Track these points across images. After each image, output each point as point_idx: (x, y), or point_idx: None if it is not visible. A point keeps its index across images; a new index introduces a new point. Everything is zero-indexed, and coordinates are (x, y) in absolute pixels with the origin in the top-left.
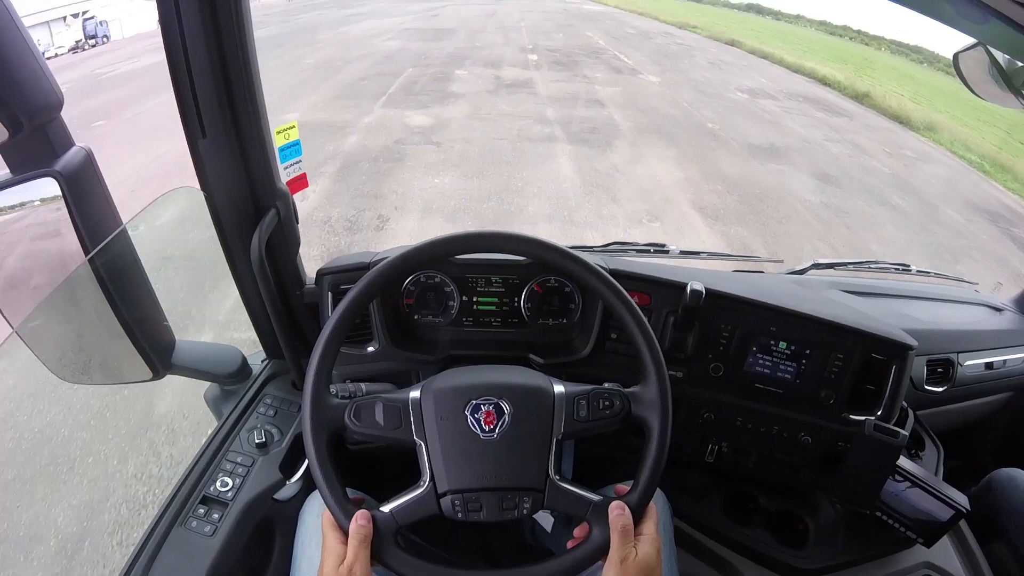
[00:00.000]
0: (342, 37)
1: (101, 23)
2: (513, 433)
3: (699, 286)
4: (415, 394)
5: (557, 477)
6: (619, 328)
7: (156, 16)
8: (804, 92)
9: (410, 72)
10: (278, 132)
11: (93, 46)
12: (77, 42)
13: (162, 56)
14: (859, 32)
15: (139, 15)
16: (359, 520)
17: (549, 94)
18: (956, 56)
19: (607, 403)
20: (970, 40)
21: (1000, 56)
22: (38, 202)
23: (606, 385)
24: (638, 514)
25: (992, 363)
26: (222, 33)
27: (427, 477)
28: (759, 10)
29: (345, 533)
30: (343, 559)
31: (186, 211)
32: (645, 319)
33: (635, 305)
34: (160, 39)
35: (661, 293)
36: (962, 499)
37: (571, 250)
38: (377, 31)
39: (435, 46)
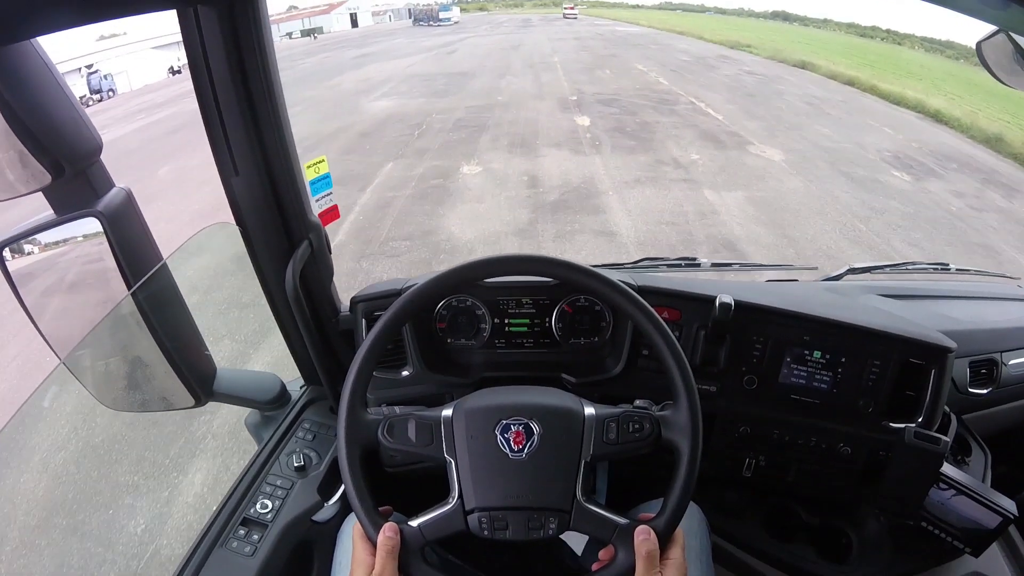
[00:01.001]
0: (330, 93)
1: (106, 76)
2: (542, 453)
3: (728, 299)
4: (447, 412)
5: (584, 499)
6: (650, 345)
7: (165, 65)
8: (950, 150)
9: (388, 173)
10: (308, 167)
11: (99, 100)
12: (81, 98)
13: (156, 113)
14: (888, 31)
15: (148, 66)
16: (387, 532)
17: (636, 233)
18: (979, 45)
19: (637, 426)
20: (991, 27)
21: (1022, 41)
22: (81, 238)
23: (637, 403)
24: (664, 539)
25: None
26: (248, 74)
27: (456, 494)
28: (785, 17)
29: (374, 544)
30: (371, 569)
31: (223, 245)
32: (674, 338)
33: (663, 324)
34: (168, 89)
35: (691, 308)
36: (1010, 505)
37: (597, 269)
38: (377, 80)
39: (441, 105)
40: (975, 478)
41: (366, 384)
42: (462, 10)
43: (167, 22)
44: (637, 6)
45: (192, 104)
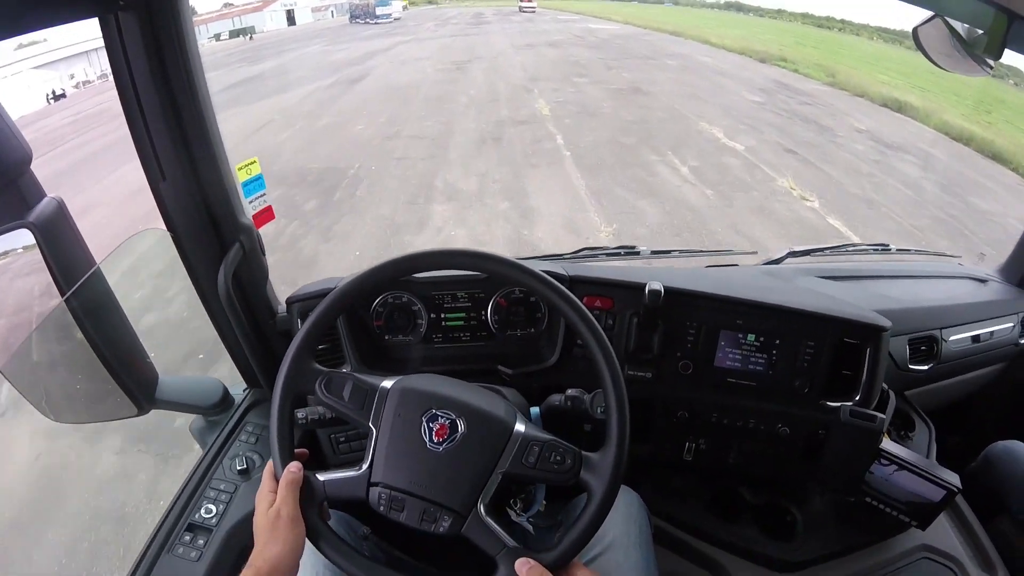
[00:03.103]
0: None
1: None
2: (458, 453)
3: (657, 285)
4: (386, 384)
5: (485, 509)
6: (577, 336)
7: (44, 90)
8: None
9: None
10: (240, 168)
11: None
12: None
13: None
14: (843, 22)
15: (19, 92)
16: (291, 468)
17: None
18: (915, 30)
19: (559, 458)
20: (928, 13)
21: (958, 25)
22: (19, 250)
23: (569, 392)
24: (556, 571)
25: (979, 336)
26: (171, 79)
27: (367, 463)
28: (739, 7)
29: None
30: (272, 504)
31: (155, 251)
32: (603, 333)
33: (593, 321)
34: (43, 124)
35: (623, 295)
36: (953, 478)
37: (532, 261)
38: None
39: None
40: (919, 452)
41: (315, 345)
42: (410, 4)
43: (54, 36)
44: None
45: (75, 152)
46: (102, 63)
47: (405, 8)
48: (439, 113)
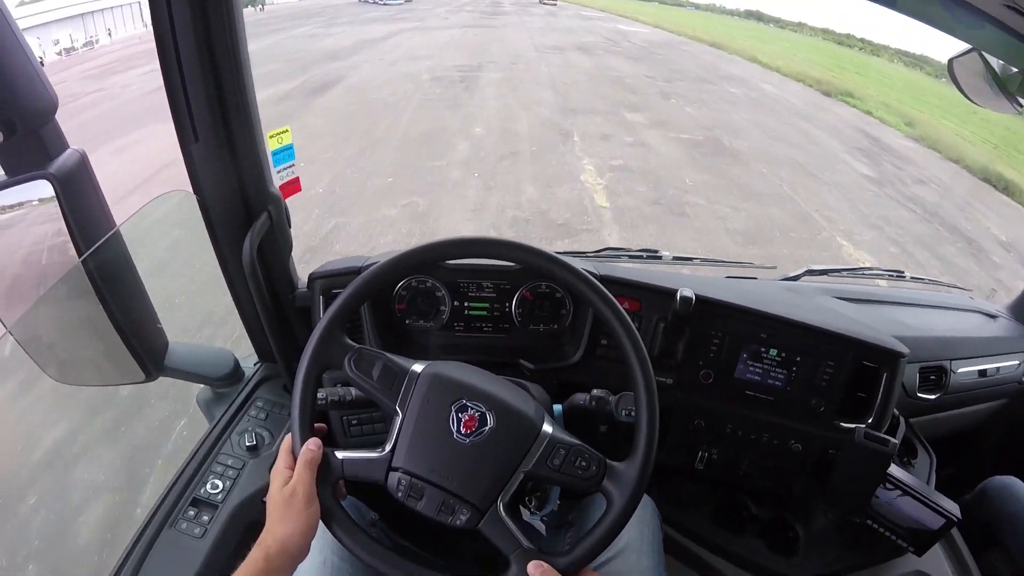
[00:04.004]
0: None
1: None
2: (484, 447)
3: (689, 292)
4: (417, 368)
5: (504, 507)
6: (610, 335)
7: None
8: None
9: None
10: (271, 136)
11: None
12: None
13: None
14: (863, 40)
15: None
16: (310, 445)
17: None
18: (951, 62)
19: (583, 464)
20: (965, 46)
21: (994, 62)
22: (36, 202)
23: (595, 392)
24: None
25: (985, 370)
26: (213, 39)
27: (389, 446)
28: (759, 17)
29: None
30: (288, 481)
31: (179, 214)
32: (639, 336)
33: (629, 320)
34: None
35: (651, 299)
36: (953, 507)
37: (561, 256)
38: None
39: None
40: (920, 480)
41: (344, 323)
42: None
43: None
44: None
45: None
46: (87, 31)
47: None
48: (417, 178)
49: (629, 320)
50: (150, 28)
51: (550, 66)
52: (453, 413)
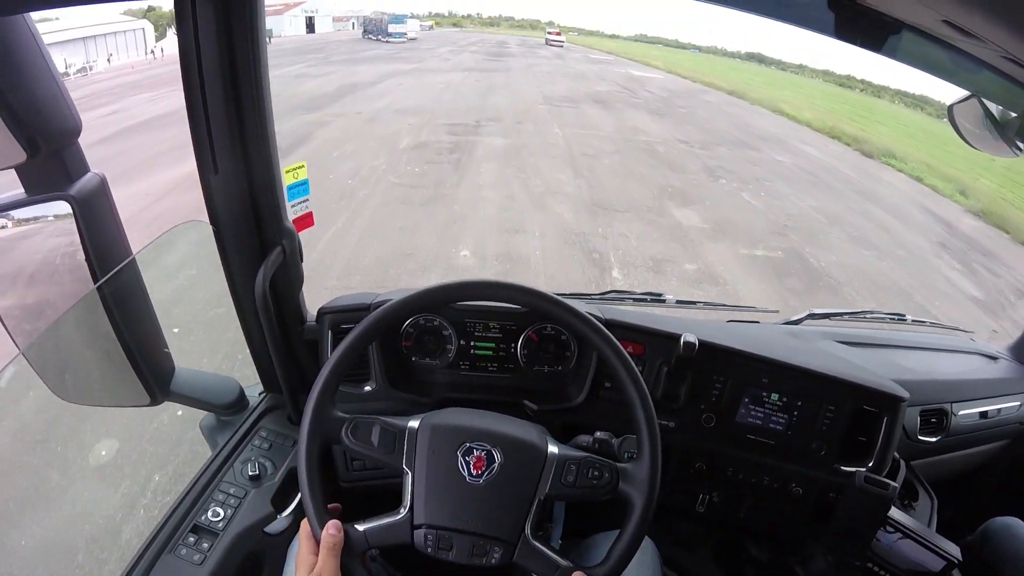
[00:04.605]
0: None
1: None
2: (499, 482)
3: (693, 338)
4: (413, 424)
5: (532, 535)
6: (613, 378)
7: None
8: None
9: None
10: (287, 171)
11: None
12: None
13: None
14: (863, 82)
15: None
16: (330, 529)
17: None
18: (951, 108)
19: (596, 473)
20: (964, 92)
21: (993, 107)
22: (54, 221)
23: (597, 435)
24: None
25: (987, 412)
26: (238, 70)
27: (407, 506)
28: (760, 59)
29: (318, 543)
30: (313, 568)
31: (195, 244)
32: (641, 378)
33: (632, 365)
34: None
35: (655, 343)
36: (954, 549)
37: (567, 300)
38: None
39: None
40: (922, 522)
41: (336, 386)
42: (436, 24)
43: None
44: (615, 35)
45: None
46: (88, 55)
47: (431, 28)
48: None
49: (632, 363)
50: (151, 56)
51: (564, 126)
52: (460, 458)
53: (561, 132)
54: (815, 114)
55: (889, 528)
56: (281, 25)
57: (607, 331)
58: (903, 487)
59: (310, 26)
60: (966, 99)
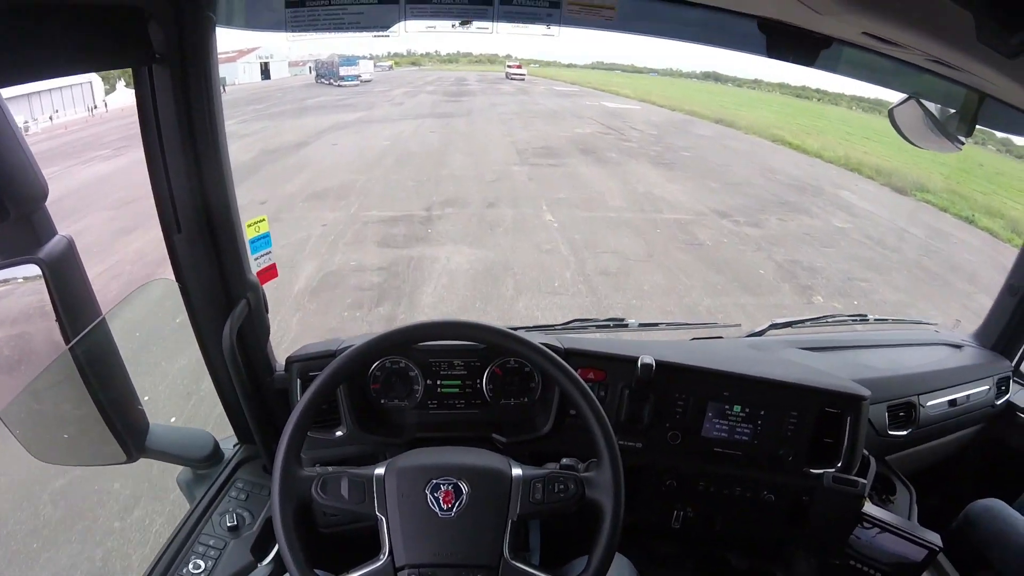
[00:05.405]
0: None
1: None
2: (470, 512)
3: (649, 360)
4: (379, 471)
5: (511, 556)
6: (569, 401)
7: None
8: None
9: None
10: (249, 225)
11: None
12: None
13: None
14: (818, 91)
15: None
16: None
17: None
18: (891, 111)
19: (562, 487)
20: (902, 95)
21: (932, 106)
22: (24, 284)
23: (564, 462)
24: None
25: (955, 400)
26: (196, 133)
27: (386, 551)
28: (716, 78)
29: None
30: None
31: (163, 301)
32: (593, 395)
33: (585, 386)
34: None
35: (616, 368)
36: (934, 537)
37: (526, 333)
38: None
39: None
40: (901, 515)
41: (301, 442)
42: (395, 64)
43: None
44: (571, 64)
45: None
46: (32, 112)
47: (390, 68)
48: None
49: (582, 382)
50: (90, 114)
51: (556, 205)
52: (429, 495)
53: (555, 219)
54: (822, 142)
55: (866, 524)
56: (235, 72)
57: (559, 359)
58: (879, 482)
59: (265, 72)
60: (905, 101)
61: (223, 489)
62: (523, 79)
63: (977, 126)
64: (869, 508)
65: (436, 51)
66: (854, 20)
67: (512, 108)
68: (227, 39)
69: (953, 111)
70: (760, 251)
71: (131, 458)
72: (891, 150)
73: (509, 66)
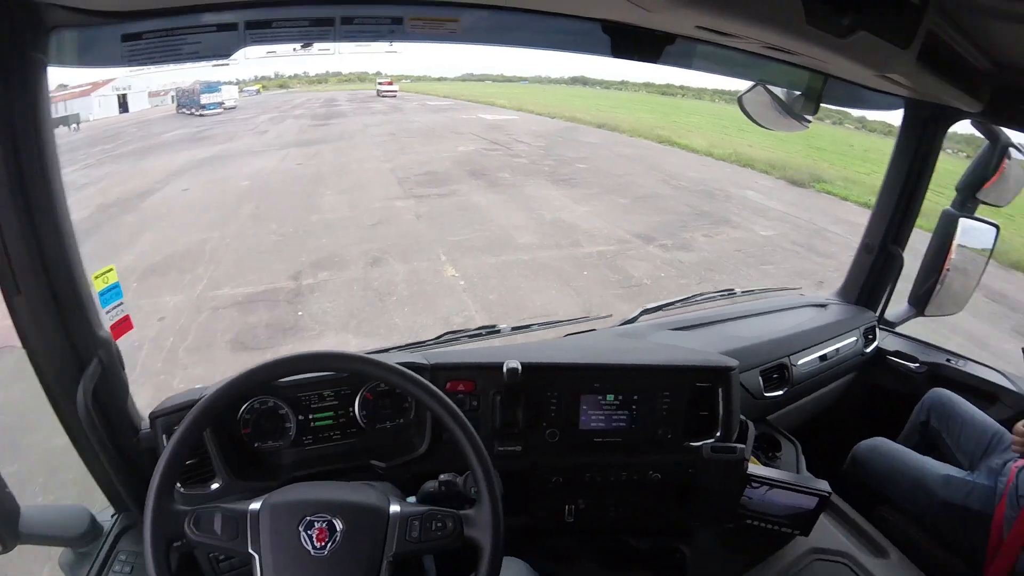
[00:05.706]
0: None
1: None
2: (344, 551)
3: (514, 363)
4: (255, 506)
5: None
6: (440, 424)
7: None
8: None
9: None
10: (96, 277)
11: None
12: None
13: None
14: (682, 88)
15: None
16: None
17: None
18: (740, 99)
19: (440, 524)
20: (749, 83)
21: (778, 90)
22: None
23: (442, 477)
24: None
25: (825, 354)
26: (29, 187)
27: None
28: (584, 81)
29: None
30: None
31: (14, 372)
32: (459, 411)
33: (449, 402)
34: None
35: (485, 376)
36: (823, 484)
37: (394, 354)
38: None
39: None
40: (790, 469)
41: (173, 482)
42: (262, 88)
43: None
44: (442, 78)
45: None
46: None
47: (258, 92)
48: None
49: (432, 387)
50: None
51: (457, 251)
52: (302, 532)
53: (459, 272)
54: (704, 138)
55: (755, 484)
56: (90, 107)
57: (416, 376)
58: (765, 441)
59: (123, 105)
60: (752, 88)
61: (105, 565)
62: (395, 96)
63: (821, 104)
64: (755, 469)
65: (304, 72)
66: (685, 15)
67: (387, 128)
68: (79, 73)
69: (798, 93)
70: (704, 283)
71: (6, 548)
72: (769, 139)
73: (380, 83)
